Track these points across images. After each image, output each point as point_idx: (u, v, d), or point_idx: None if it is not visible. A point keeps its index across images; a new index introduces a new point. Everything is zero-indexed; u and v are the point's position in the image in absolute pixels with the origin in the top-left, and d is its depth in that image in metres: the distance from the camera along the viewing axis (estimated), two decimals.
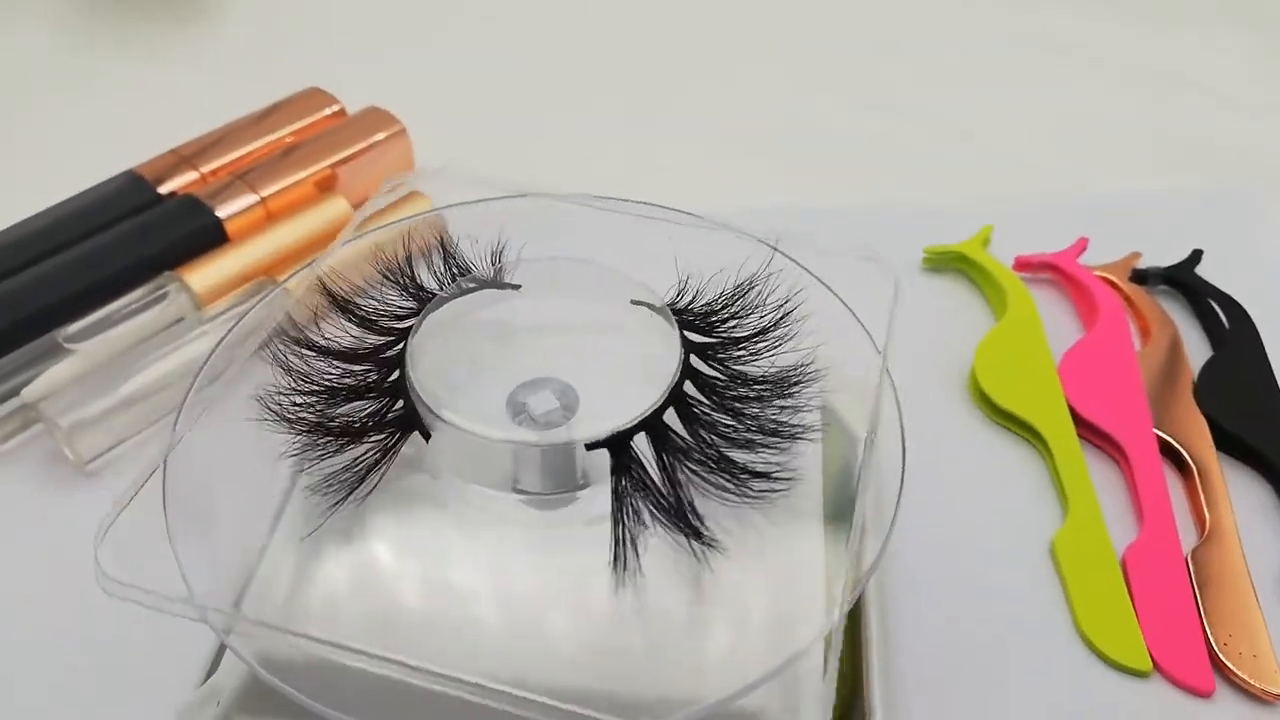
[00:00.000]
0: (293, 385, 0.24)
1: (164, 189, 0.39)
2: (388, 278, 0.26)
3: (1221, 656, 0.28)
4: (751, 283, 0.25)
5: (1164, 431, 0.33)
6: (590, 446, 0.22)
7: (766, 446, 0.23)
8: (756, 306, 0.25)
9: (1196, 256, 0.39)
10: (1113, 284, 0.38)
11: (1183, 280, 0.38)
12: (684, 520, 0.22)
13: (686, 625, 0.22)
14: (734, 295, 0.25)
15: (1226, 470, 0.33)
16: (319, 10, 0.54)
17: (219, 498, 0.24)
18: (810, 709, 0.22)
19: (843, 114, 0.49)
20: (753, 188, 0.44)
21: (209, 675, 0.24)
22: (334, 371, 0.24)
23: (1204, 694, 0.27)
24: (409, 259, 0.26)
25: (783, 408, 0.24)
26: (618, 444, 0.22)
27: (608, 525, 0.23)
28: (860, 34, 0.55)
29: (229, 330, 0.27)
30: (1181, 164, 0.46)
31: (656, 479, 0.22)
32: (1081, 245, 0.39)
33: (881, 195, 0.44)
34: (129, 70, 0.50)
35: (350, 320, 0.25)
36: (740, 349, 0.24)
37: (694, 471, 0.23)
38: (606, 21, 0.55)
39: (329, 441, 0.23)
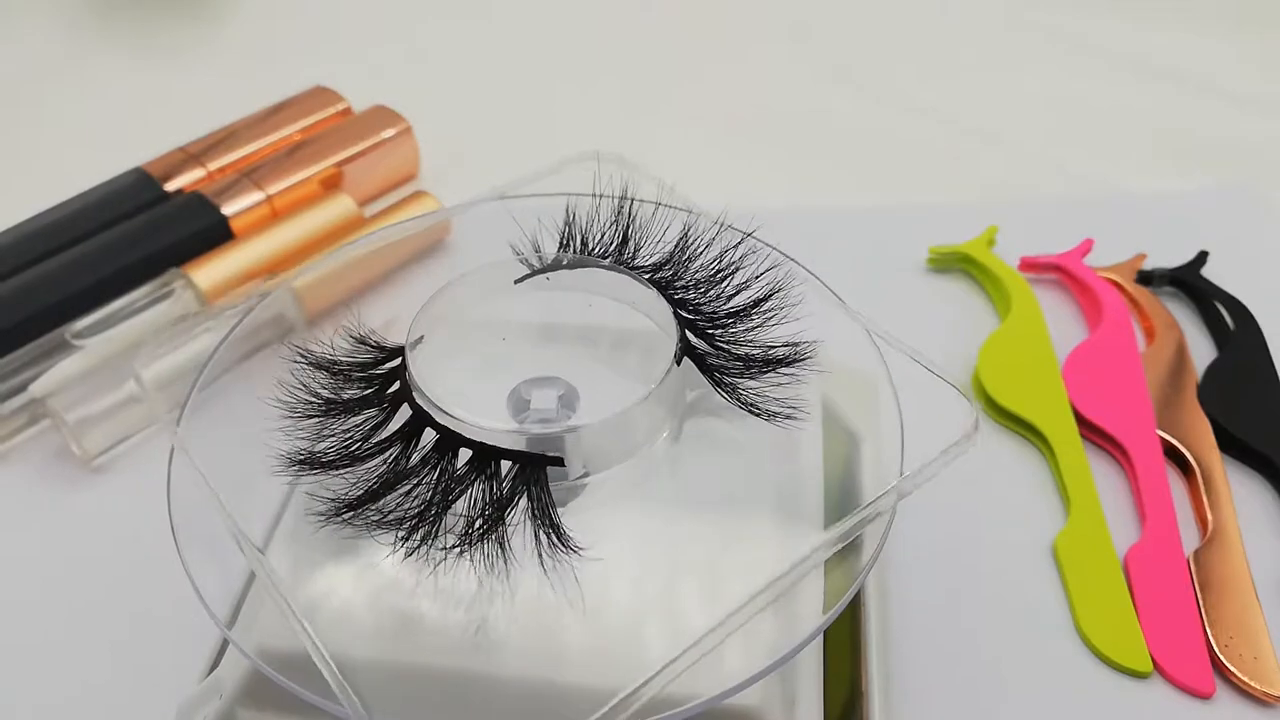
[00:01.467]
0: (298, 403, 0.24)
1: (170, 186, 0.39)
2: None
3: (1222, 658, 0.28)
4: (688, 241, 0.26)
5: (1167, 433, 0.33)
6: (679, 359, 0.23)
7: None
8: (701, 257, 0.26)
9: (1202, 258, 0.39)
10: (1118, 285, 0.38)
11: (1188, 282, 0.38)
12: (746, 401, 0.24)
13: (684, 621, 0.22)
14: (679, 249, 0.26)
15: (1229, 472, 0.33)
16: (326, 9, 0.55)
17: (223, 496, 0.24)
18: (807, 706, 0.22)
19: (848, 113, 0.49)
20: (756, 186, 0.44)
21: (212, 669, 0.24)
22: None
23: (1204, 695, 0.27)
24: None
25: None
26: (687, 350, 0.23)
27: (610, 518, 0.23)
28: (865, 32, 0.55)
29: (233, 326, 0.28)
30: (1188, 164, 0.46)
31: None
32: (1087, 246, 0.39)
33: (887, 195, 0.44)
34: (137, 68, 0.50)
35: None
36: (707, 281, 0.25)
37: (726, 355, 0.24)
38: (611, 19, 0.55)
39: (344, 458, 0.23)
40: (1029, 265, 0.39)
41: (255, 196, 0.38)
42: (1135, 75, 0.51)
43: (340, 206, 0.39)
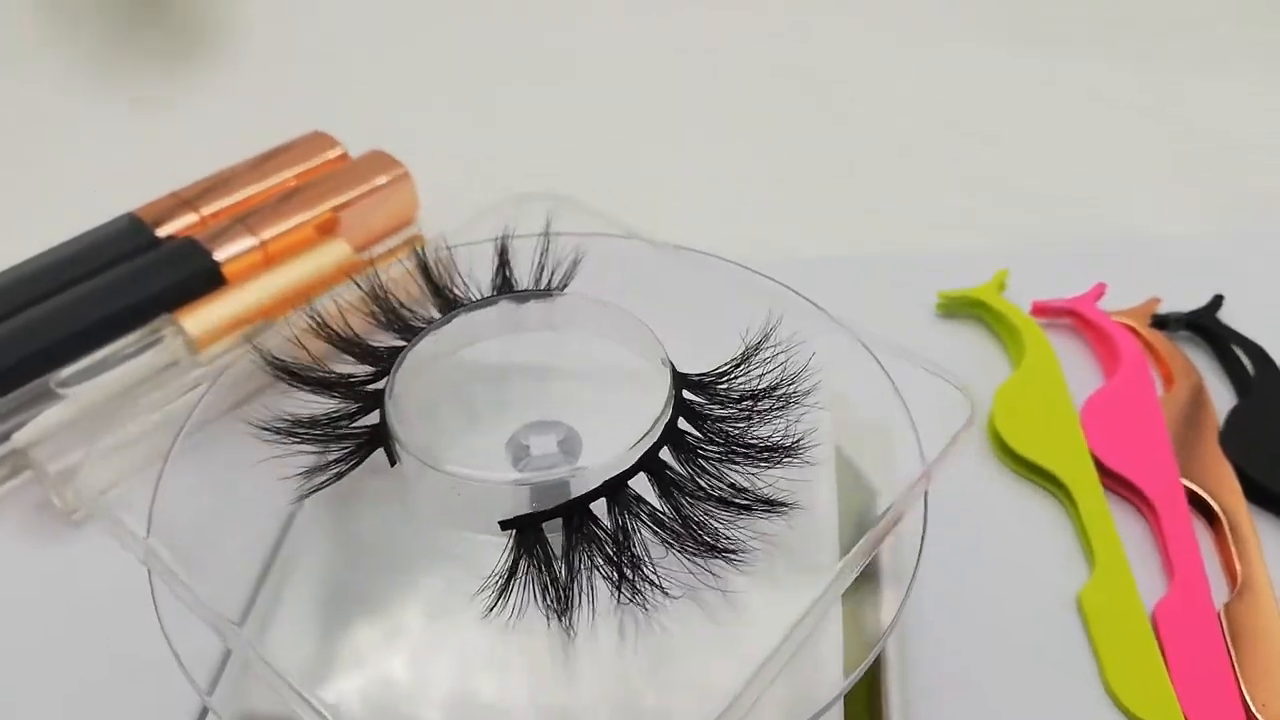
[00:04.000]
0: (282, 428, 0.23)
1: (163, 231, 0.38)
2: (376, 316, 0.25)
3: (1260, 717, 0.26)
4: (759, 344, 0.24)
5: (1191, 481, 0.32)
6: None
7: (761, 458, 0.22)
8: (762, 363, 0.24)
9: (1218, 301, 0.38)
10: (1133, 330, 0.37)
11: (1205, 325, 0.37)
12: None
13: (702, 682, 0.20)
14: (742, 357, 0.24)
15: (1256, 521, 0.31)
16: (325, 56, 0.54)
17: (208, 544, 0.23)
18: None
19: (852, 156, 0.49)
20: (767, 233, 0.44)
21: None
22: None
23: None
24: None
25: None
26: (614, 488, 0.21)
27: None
28: (871, 76, 0.55)
29: (218, 376, 0.27)
30: (1204, 207, 0.45)
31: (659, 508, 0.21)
32: (1100, 290, 0.38)
33: (894, 239, 0.43)
34: (133, 116, 0.50)
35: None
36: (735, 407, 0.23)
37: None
38: (614, 64, 0.55)
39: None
40: (1041, 310, 0.38)
41: (249, 242, 0.38)
42: (1146, 116, 0.51)
43: (335, 252, 0.38)
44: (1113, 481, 0.32)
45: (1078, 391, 0.35)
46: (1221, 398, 0.35)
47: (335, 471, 0.22)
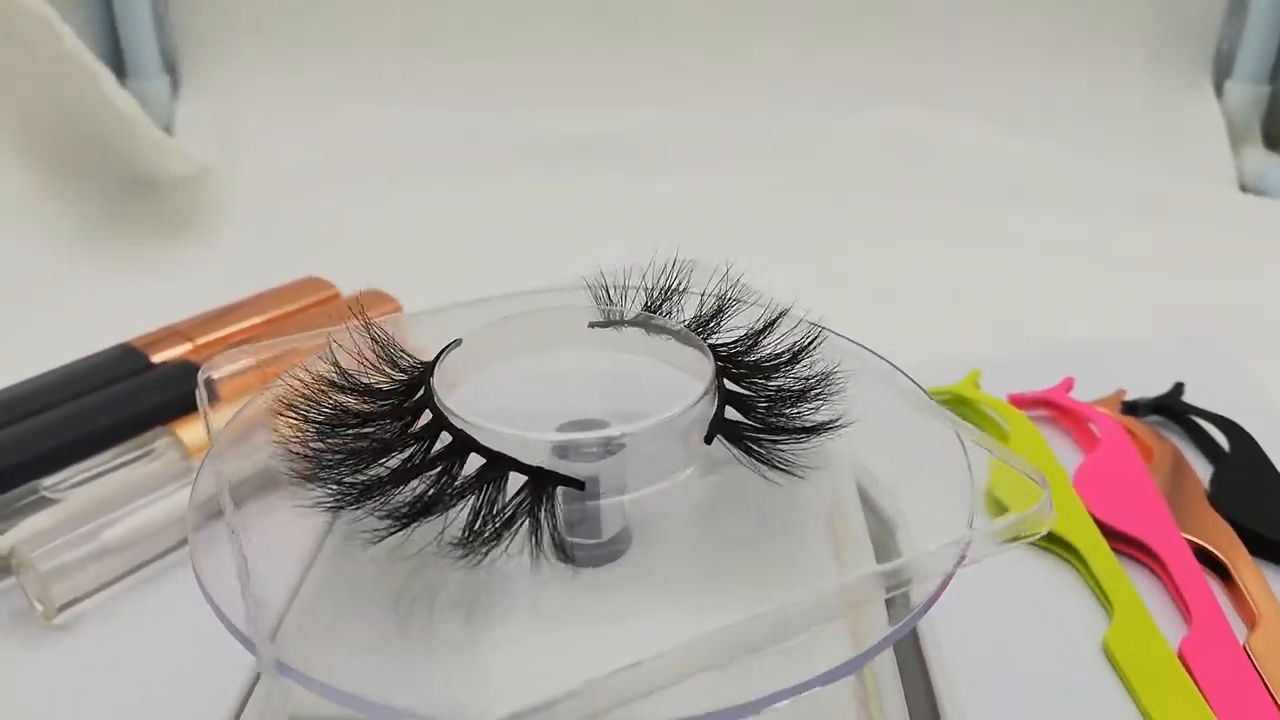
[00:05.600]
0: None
1: (157, 358, 0.38)
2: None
3: None
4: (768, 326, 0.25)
5: (1189, 535, 0.33)
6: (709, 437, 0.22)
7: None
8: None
9: (1180, 388, 0.40)
10: (1107, 415, 0.39)
11: (1173, 407, 0.39)
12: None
13: None
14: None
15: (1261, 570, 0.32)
16: (317, 223, 0.56)
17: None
18: None
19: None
20: None
21: None
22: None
23: None
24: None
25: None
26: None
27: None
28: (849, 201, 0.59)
29: (235, 413, 0.27)
30: (1153, 325, 0.48)
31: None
32: (1069, 383, 0.40)
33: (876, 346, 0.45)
34: (125, 287, 0.50)
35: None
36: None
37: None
38: (595, 189, 0.58)
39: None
40: (1017, 401, 0.40)
41: (246, 362, 0.38)
42: (1099, 256, 0.56)
43: None
44: (1114, 541, 0.33)
45: (1064, 467, 0.36)
46: (1199, 472, 0.37)
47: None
